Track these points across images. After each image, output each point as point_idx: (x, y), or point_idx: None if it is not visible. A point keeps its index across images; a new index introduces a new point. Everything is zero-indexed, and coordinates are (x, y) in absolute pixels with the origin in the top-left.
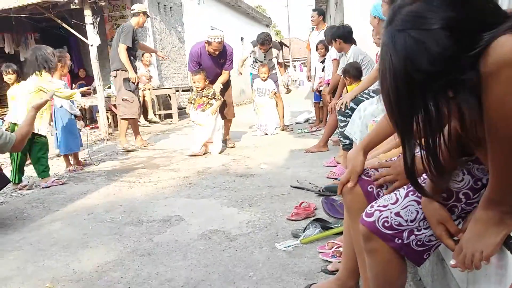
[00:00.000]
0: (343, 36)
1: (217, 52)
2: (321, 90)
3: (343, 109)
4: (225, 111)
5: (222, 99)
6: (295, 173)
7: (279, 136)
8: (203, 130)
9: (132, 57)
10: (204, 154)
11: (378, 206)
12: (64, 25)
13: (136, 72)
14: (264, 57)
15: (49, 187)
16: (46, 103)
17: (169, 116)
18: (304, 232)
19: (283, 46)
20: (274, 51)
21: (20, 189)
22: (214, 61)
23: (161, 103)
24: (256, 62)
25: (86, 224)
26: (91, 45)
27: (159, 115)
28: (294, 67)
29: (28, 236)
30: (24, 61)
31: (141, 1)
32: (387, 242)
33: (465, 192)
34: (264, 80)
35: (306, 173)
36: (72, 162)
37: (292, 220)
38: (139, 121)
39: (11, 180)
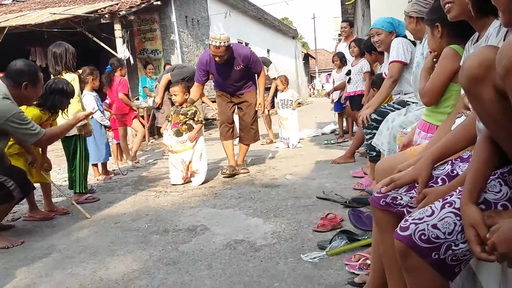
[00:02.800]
0: None
1: (217, 59)
2: (339, 100)
3: (365, 124)
4: (242, 134)
5: (203, 122)
6: (321, 184)
7: (305, 147)
8: (178, 158)
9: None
10: (184, 183)
11: (413, 220)
12: (94, 39)
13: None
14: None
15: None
16: (89, 115)
17: None
18: (330, 243)
19: (309, 58)
20: (267, 67)
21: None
22: (227, 69)
23: None
24: None
25: (113, 232)
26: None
27: None
28: (314, 78)
29: (57, 244)
30: None
31: (170, 15)
32: (424, 258)
33: (503, 203)
34: (283, 91)
35: (332, 184)
36: (100, 171)
37: (318, 231)
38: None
39: (79, 190)
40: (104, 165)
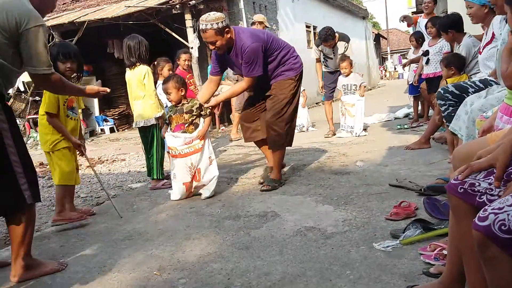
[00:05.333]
0: (454, 25)
1: (211, 47)
2: (414, 82)
3: (441, 93)
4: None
5: (210, 115)
6: (394, 171)
7: (376, 132)
8: (182, 163)
9: None
10: (187, 197)
11: (493, 209)
12: (167, 29)
13: None
14: (333, 52)
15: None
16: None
17: None
18: (404, 232)
19: (381, 38)
20: (342, 44)
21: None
22: (236, 62)
23: None
24: (327, 60)
25: (188, 216)
26: (191, 47)
27: None
28: (386, 59)
29: (138, 227)
30: None
31: (238, 2)
32: (504, 249)
33: None
34: (347, 76)
35: (406, 171)
36: None
37: (391, 219)
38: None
39: (156, 176)
40: None
